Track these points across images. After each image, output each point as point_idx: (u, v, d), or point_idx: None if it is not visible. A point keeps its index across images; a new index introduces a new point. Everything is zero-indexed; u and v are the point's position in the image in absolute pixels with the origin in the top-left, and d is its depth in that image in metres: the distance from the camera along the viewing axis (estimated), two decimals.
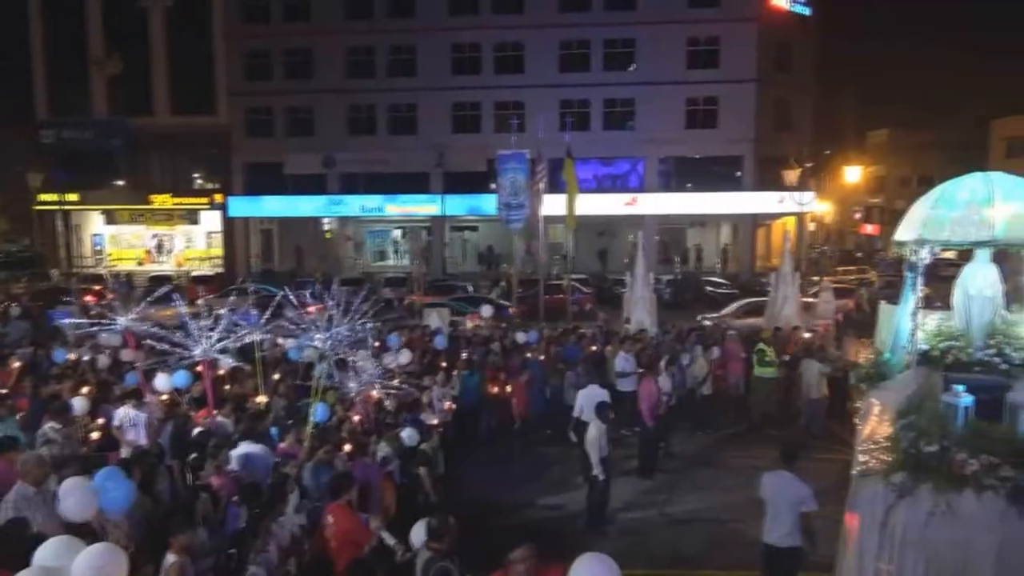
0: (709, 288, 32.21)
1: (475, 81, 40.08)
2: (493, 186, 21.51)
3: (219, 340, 9.40)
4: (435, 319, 18.64)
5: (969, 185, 7.22)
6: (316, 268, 36.79)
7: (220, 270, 40.63)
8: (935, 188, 7.66)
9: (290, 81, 40.68)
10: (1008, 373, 7.11)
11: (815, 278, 27.50)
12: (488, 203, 31.98)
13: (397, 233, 45.80)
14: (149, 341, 9.92)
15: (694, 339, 15.47)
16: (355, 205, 41.16)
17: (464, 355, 13.84)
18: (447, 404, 11.55)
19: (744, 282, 34.34)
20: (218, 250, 43.09)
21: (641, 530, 9.80)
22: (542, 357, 14.41)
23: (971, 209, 6.96)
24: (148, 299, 10.69)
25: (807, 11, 40.71)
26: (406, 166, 40.23)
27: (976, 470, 5.74)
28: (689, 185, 40.38)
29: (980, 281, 7.50)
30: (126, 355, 11.82)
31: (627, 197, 39.87)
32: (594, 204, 36.53)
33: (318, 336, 9.39)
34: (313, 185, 40.83)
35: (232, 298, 11.23)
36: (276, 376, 11.54)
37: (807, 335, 16.03)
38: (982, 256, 7.57)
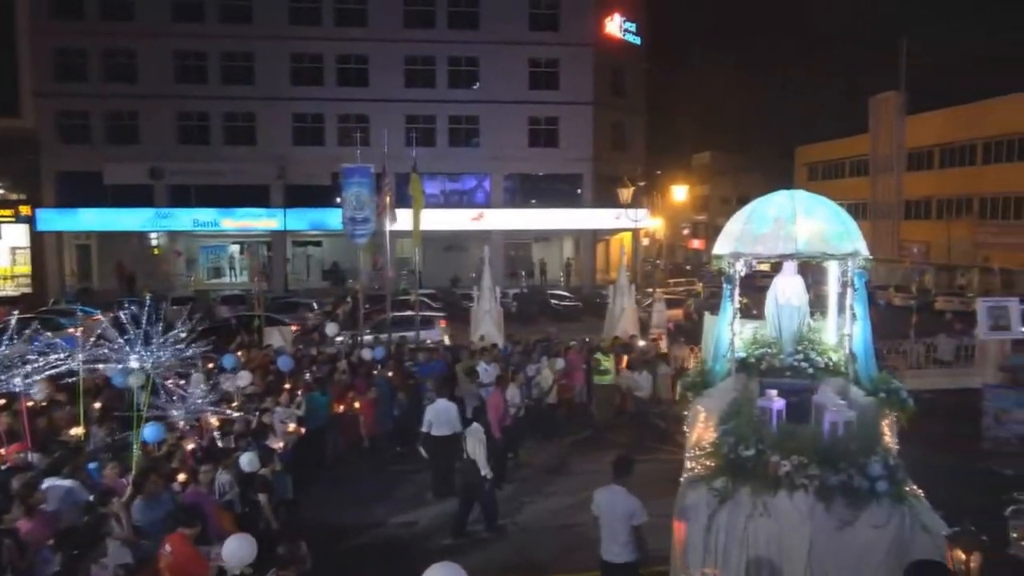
0: (554, 301, 33.31)
1: (317, 92, 39.10)
2: (338, 200, 21.03)
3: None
4: (277, 338, 17.84)
5: (776, 202, 7.90)
6: (143, 286, 34.00)
7: (27, 290, 36.50)
8: (748, 204, 8.33)
9: (110, 84, 37.55)
10: (813, 376, 7.68)
11: (649, 290, 29.20)
12: (333, 217, 31.17)
13: (234, 248, 43.40)
14: None
15: (539, 351, 15.92)
16: (186, 219, 38.61)
17: (309, 375, 13.39)
18: (291, 426, 11.08)
19: (586, 295, 35.85)
20: (25, 267, 38.72)
21: (493, 541, 9.89)
22: (390, 374, 14.23)
23: (778, 224, 7.59)
24: None
25: (638, 40, 43.52)
26: (244, 178, 38.40)
27: (788, 471, 6.03)
28: (533, 201, 41.68)
29: (788, 291, 8.19)
30: None
31: (474, 212, 40.46)
32: (441, 219, 36.79)
33: (134, 356, 8.69)
34: (138, 197, 37.81)
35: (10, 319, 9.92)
36: (97, 404, 10.53)
37: (642, 343, 16.99)
38: (789, 268, 8.28)
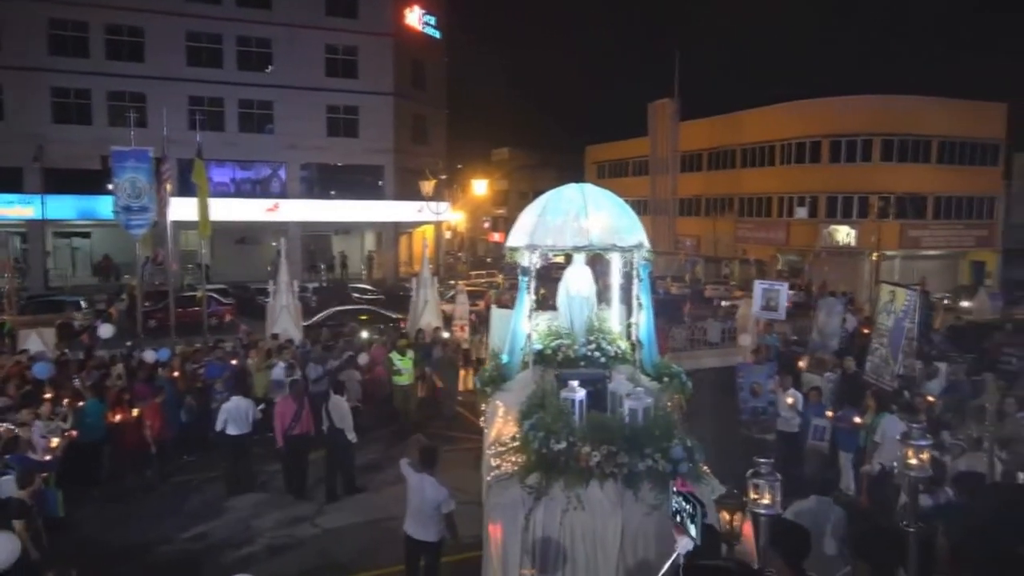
0: (356, 295, 32.61)
1: (82, 65, 34.91)
2: (110, 186, 18.79)
3: None
4: (36, 342, 15.66)
5: (567, 196, 8.26)
6: None
7: None
8: (541, 197, 8.60)
9: None
10: (606, 365, 8.11)
11: (452, 282, 29.58)
12: (103, 205, 27.95)
13: None
14: None
15: (342, 346, 15.52)
16: None
17: (77, 381, 11.96)
18: (54, 440, 9.83)
19: (389, 287, 35.51)
20: None
21: (293, 545, 9.50)
22: (176, 374, 13.14)
23: (571, 218, 7.94)
24: None
25: (438, 34, 43.75)
26: None
27: (599, 460, 6.06)
28: (333, 193, 40.44)
29: (578, 282, 8.63)
30: None
31: (269, 203, 38.44)
32: (232, 210, 34.53)
33: None
34: None
35: None
36: None
37: (446, 335, 17.17)
38: (579, 260, 8.73)
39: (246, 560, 8.98)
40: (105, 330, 16.51)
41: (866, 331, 15.68)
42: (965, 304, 28.50)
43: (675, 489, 4.14)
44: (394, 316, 24.00)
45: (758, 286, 16.10)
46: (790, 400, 11.50)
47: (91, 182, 32.88)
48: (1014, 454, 7.63)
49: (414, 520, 7.16)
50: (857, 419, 10.31)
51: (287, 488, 11.08)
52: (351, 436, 10.76)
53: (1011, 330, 18.66)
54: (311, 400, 11.46)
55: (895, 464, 7.82)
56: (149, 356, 13.98)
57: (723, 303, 30.94)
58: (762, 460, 4.10)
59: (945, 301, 26.91)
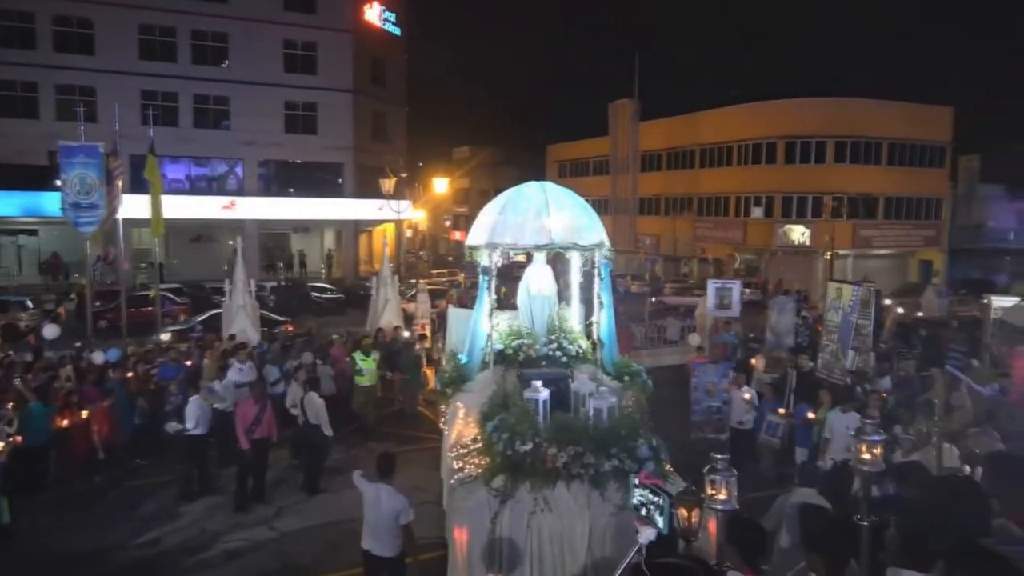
0: (315, 294, 32.20)
1: (28, 57, 33.79)
2: (58, 182, 18.13)
3: None
4: None
5: (528, 194, 8.21)
6: None
7: None
8: (501, 195, 8.53)
9: None
10: (567, 365, 8.09)
11: (413, 281, 29.38)
12: (50, 202, 27.07)
13: None
14: None
15: (300, 346, 15.29)
16: None
17: (20, 383, 11.55)
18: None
19: (349, 286, 35.13)
20: None
21: (250, 550, 9.32)
22: (130, 374, 12.80)
23: (532, 216, 7.91)
24: None
25: (398, 31, 43.40)
26: None
27: (566, 461, 5.97)
28: (291, 190, 39.84)
29: (539, 281, 8.59)
30: None
31: (225, 200, 37.68)
32: (188, 207, 33.79)
33: None
34: None
35: None
36: None
37: (406, 334, 17.07)
38: (539, 258, 8.70)
39: (202, 565, 8.81)
40: (50, 330, 16.00)
41: (820, 328, 16.03)
42: (889, 301, 29.16)
43: (638, 482, 4.13)
44: (280, 319, 22.98)
45: (711, 285, 16.59)
46: (747, 396, 11.69)
47: (37, 178, 31.77)
48: (962, 448, 7.88)
49: (372, 536, 6.78)
50: (810, 415, 10.53)
51: (240, 491, 10.83)
52: (327, 431, 10.96)
53: (957, 327, 19.27)
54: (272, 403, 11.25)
55: (847, 458, 7.99)
56: (98, 357, 13.61)
57: (672, 299, 31.24)
58: (719, 456, 4.15)
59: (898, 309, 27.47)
